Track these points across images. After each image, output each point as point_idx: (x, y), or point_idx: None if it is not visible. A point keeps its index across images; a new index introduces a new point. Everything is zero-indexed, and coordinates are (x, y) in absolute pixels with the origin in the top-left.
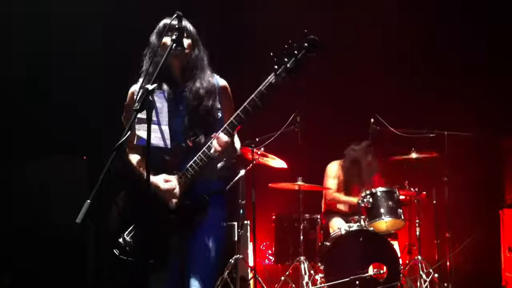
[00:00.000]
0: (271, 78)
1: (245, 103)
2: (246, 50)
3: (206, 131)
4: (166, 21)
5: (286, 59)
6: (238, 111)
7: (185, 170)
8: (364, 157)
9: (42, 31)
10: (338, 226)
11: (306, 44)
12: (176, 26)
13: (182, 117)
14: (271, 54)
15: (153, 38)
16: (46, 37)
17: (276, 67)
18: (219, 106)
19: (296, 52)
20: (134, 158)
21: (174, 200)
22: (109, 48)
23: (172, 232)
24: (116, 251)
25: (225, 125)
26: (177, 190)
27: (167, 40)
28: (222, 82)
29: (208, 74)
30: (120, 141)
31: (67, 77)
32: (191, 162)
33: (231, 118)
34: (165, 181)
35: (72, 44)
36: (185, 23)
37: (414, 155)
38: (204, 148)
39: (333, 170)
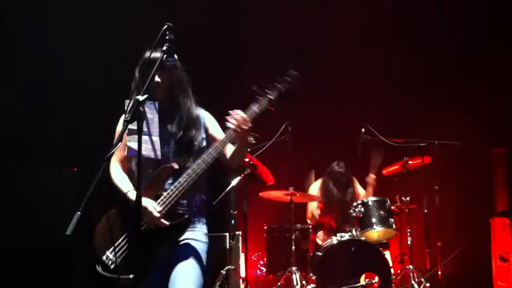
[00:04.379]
0: (255, 108)
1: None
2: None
3: (193, 157)
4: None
5: (270, 92)
6: (224, 137)
7: (170, 190)
8: (343, 179)
9: None
10: (324, 237)
11: (289, 79)
12: (167, 38)
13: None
14: (253, 86)
15: (145, 55)
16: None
17: (260, 98)
18: (204, 135)
19: (280, 86)
20: (115, 172)
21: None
22: (99, 62)
23: (155, 246)
24: (98, 268)
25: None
26: (158, 216)
27: (157, 55)
28: (206, 114)
29: (187, 107)
30: (110, 153)
31: (56, 89)
32: (175, 183)
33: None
34: (154, 208)
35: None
36: (155, 55)
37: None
38: (189, 170)
39: (313, 192)
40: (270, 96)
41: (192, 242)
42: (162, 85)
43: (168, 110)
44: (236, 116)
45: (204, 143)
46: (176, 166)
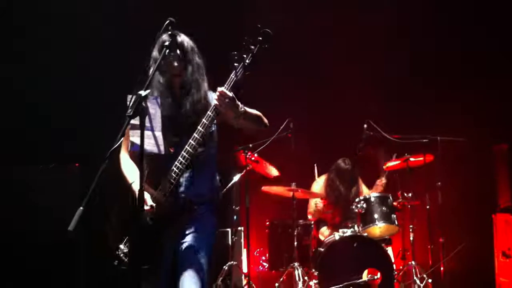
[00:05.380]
0: (232, 76)
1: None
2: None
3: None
4: (164, 37)
5: (244, 56)
6: (209, 111)
7: (168, 175)
8: (350, 176)
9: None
10: (328, 233)
11: (260, 38)
12: (169, 33)
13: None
14: (230, 53)
15: (153, 53)
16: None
17: (236, 64)
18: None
19: (252, 47)
20: (124, 161)
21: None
22: (99, 58)
23: (162, 235)
24: (115, 263)
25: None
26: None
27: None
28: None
29: (203, 90)
30: (113, 148)
31: (56, 85)
32: (173, 167)
33: (203, 119)
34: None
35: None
36: (181, 39)
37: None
38: (182, 151)
39: (317, 189)
40: (245, 61)
41: (199, 235)
42: (182, 70)
43: (183, 95)
44: (217, 94)
45: (213, 128)
46: (171, 150)
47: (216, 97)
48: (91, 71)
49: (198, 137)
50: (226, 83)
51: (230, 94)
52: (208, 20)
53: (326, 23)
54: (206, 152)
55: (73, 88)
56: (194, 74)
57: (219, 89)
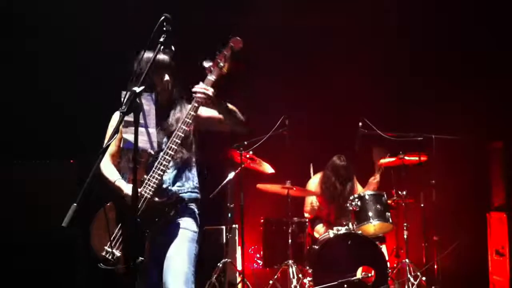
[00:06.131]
0: (209, 77)
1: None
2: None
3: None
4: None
5: (219, 60)
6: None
7: (152, 171)
8: (345, 173)
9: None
10: (323, 231)
11: (232, 44)
12: (164, 29)
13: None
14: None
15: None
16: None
17: (212, 69)
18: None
19: (225, 52)
20: (104, 163)
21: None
22: (98, 55)
23: (150, 229)
24: (100, 265)
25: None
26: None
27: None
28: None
29: (184, 106)
30: (107, 144)
31: (52, 79)
32: (155, 163)
33: (185, 118)
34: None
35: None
36: (164, 57)
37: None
38: (165, 148)
39: (312, 187)
40: (220, 63)
41: (182, 231)
42: (171, 87)
43: (167, 107)
44: (196, 89)
45: (191, 136)
46: (152, 151)
47: (196, 93)
48: (91, 71)
49: (180, 134)
50: (205, 83)
51: (210, 89)
52: (208, 20)
53: (326, 23)
54: (186, 154)
55: (73, 88)
56: (180, 93)
57: (200, 85)
